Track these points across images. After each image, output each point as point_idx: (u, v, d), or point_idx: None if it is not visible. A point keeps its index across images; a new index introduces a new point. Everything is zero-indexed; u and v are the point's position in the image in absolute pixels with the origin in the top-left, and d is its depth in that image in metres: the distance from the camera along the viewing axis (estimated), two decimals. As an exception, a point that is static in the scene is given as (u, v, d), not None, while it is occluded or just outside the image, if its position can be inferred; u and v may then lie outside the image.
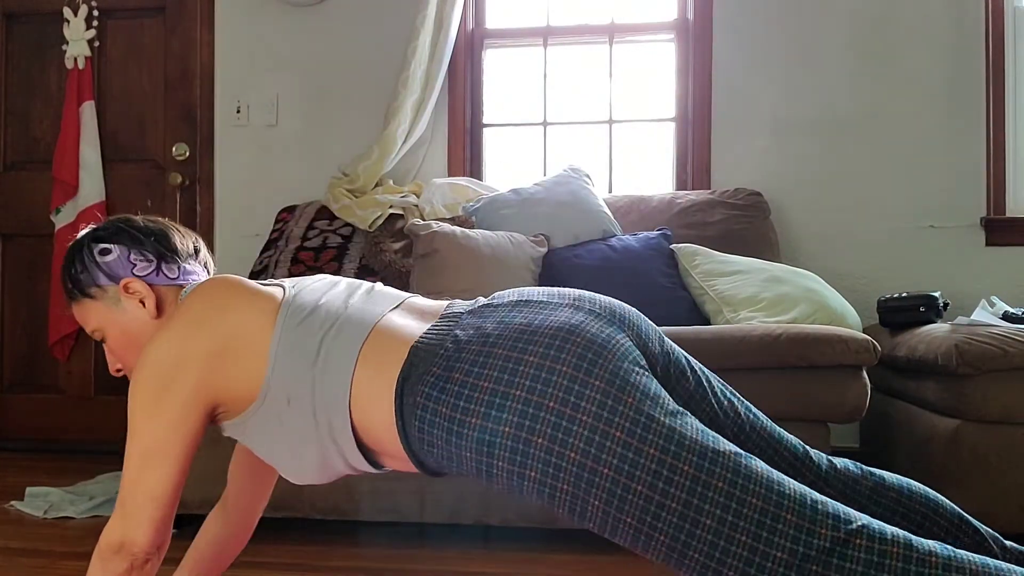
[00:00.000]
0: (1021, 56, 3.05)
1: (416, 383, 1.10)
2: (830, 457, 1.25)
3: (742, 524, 0.98)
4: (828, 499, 1.02)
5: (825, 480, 1.21)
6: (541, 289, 1.22)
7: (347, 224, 3.03)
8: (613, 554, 2.09)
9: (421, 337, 1.16)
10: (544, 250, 2.76)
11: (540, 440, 1.02)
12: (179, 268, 1.32)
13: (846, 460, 1.25)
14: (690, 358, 1.25)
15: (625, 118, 3.38)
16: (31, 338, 3.64)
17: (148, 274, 1.29)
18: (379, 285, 1.31)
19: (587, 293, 1.20)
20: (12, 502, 2.61)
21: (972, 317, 2.31)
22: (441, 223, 2.79)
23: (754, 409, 1.26)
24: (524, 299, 1.19)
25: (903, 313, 2.52)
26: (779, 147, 3.15)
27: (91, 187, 3.49)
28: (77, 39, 3.54)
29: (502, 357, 1.08)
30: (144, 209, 3.17)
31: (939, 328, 2.29)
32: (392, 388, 1.12)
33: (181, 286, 1.32)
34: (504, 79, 3.49)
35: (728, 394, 1.25)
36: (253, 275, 2.93)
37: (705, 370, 1.26)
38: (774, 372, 2.06)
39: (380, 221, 2.99)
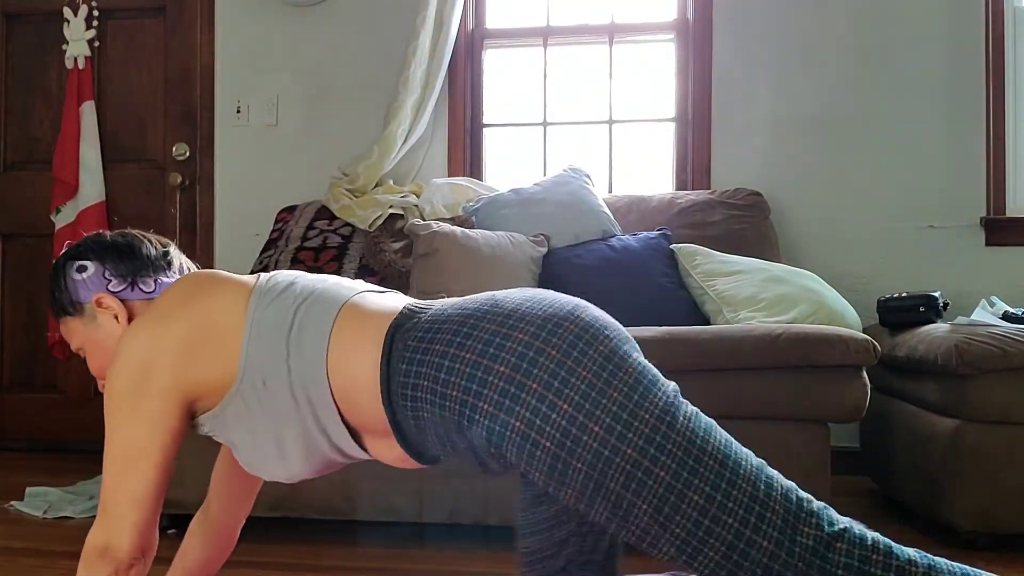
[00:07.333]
0: (1021, 56, 3.05)
1: (407, 333, 1.12)
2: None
3: (730, 506, 0.99)
4: (813, 497, 1.03)
5: None
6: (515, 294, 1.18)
7: (347, 224, 3.03)
8: (612, 554, 2.08)
9: (406, 305, 1.18)
10: (544, 250, 2.75)
11: (529, 396, 1.03)
12: (155, 281, 1.29)
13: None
14: None
15: (625, 118, 3.38)
16: (31, 338, 3.64)
17: (122, 289, 1.27)
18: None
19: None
20: (12, 502, 2.61)
21: (972, 317, 2.31)
22: (441, 223, 2.78)
23: None
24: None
25: (903, 313, 2.51)
26: (779, 147, 3.15)
27: (91, 187, 3.49)
28: (77, 39, 3.54)
29: (488, 331, 1.09)
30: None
31: (939, 328, 2.29)
32: (377, 345, 1.13)
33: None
34: (504, 79, 3.49)
35: None
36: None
37: None
38: (774, 372, 2.06)
39: (380, 221, 2.99)
